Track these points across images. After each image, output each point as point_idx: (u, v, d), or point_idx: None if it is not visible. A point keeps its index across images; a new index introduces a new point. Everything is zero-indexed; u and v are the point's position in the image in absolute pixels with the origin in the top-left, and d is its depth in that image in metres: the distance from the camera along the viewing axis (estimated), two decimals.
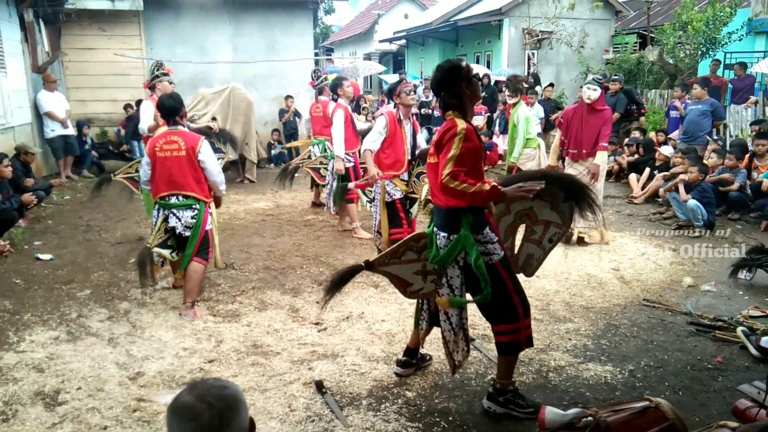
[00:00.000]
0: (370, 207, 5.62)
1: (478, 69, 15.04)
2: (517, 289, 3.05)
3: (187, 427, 1.33)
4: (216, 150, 5.68)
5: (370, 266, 3.12)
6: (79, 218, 7.53)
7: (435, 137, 3.03)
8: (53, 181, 7.97)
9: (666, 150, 8.69)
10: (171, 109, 4.43)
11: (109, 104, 11.65)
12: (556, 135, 6.51)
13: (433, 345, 3.71)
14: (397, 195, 5.22)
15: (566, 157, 6.28)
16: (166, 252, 4.53)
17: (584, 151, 6.09)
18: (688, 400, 3.32)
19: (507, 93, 7.28)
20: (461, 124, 2.88)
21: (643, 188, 8.59)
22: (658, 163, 8.65)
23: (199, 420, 1.32)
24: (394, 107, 5.30)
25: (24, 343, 4.00)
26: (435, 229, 3.08)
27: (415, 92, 5.69)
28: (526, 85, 9.07)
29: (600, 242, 6.36)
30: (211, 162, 4.48)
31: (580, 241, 6.27)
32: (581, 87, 6.12)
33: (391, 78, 19.19)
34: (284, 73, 12.63)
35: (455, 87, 2.97)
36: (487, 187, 2.79)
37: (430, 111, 12.53)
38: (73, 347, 3.94)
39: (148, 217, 6.41)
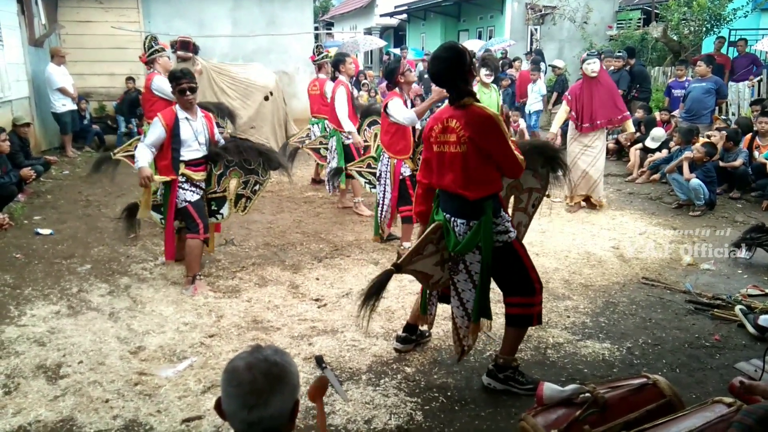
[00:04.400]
0: (371, 189, 5.57)
1: (474, 44, 14.80)
2: (532, 265, 3.08)
3: (231, 390, 1.42)
4: (215, 124, 5.61)
5: (398, 268, 2.97)
6: (79, 193, 7.51)
7: (462, 127, 2.83)
8: (48, 158, 7.90)
9: (657, 132, 8.63)
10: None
11: (106, 78, 11.50)
12: (562, 107, 6.90)
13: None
14: (407, 173, 5.16)
15: (578, 131, 6.66)
16: (155, 215, 4.74)
17: (598, 122, 6.55)
18: (685, 377, 3.35)
19: (485, 72, 6.46)
20: (489, 110, 2.84)
21: (641, 166, 8.56)
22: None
23: (239, 389, 1.41)
24: (398, 89, 5.06)
25: (25, 317, 4.02)
26: (449, 216, 3.01)
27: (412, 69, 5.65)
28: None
29: (596, 206, 6.79)
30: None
31: (587, 202, 6.81)
32: (581, 66, 6.65)
33: (398, 52, 18.85)
34: (284, 47, 12.49)
35: (466, 73, 2.88)
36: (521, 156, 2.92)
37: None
38: (74, 321, 3.97)
39: None
